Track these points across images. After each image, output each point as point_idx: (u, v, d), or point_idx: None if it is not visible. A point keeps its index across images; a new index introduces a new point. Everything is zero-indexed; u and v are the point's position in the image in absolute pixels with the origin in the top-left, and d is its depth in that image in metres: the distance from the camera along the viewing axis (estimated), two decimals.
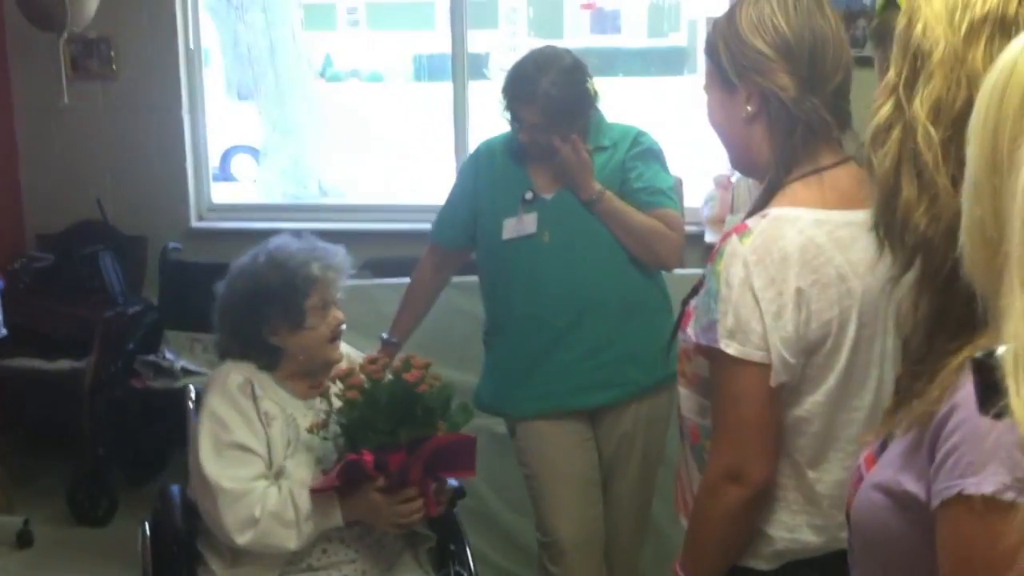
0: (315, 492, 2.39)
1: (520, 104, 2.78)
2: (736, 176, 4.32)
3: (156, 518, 2.65)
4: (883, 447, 1.11)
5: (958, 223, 0.93)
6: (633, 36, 20.11)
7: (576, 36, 19.93)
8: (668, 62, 18.37)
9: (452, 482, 2.63)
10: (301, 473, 2.43)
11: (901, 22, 1.14)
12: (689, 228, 4.15)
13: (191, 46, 4.81)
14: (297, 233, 2.67)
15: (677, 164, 4.83)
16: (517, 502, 3.28)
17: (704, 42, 1.92)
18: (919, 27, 1.10)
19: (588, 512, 2.90)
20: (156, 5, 4.69)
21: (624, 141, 2.87)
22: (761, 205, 1.74)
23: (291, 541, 2.37)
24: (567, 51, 2.90)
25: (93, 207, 4.66)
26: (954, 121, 1.04)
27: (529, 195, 2.85)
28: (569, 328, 2.84)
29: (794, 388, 1.68)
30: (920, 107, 1.08)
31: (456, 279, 3.18)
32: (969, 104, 1.00)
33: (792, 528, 1.73)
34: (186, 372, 4.03)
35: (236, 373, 2.52)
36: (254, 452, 2.42)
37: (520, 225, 2.84)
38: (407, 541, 2.62)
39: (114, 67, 4.71)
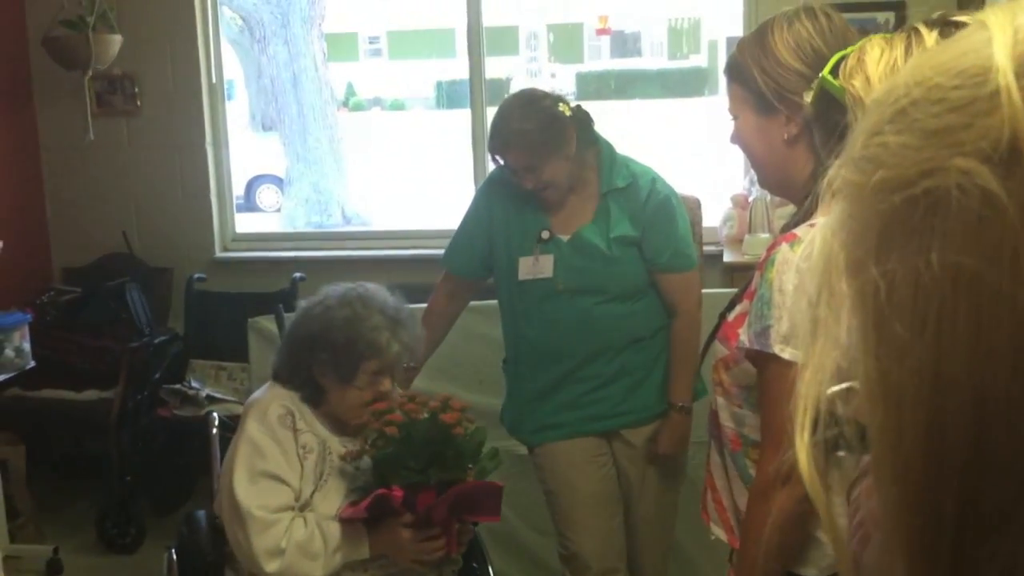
0: (343, 521, 2.41)
1: (503, 152, 2.82)
2: (753, 196, 4.34)
3: (182, 544, 2.68)
4: None
5: None
6: (653, 58, 20.19)
7: (596, 60, 20.07)
8: (688, 83, 18.43)
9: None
10: (327, 507, 2.44)
11: (851, 123, 1.12)
12: (708, 248, 4.20)
13: (213, 80, 4.89)
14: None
15: (696, 184, 4.88)
16: (539, 522, 3.30)
17: (728, 67, 1.93)
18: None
19: (608, 525, 2.92)
20: (179, 42, 4.78)
21: (641, 185, 2.85)
22: (805, 216, 1.75)
23: (317, 571, 2.40)
24: (535, 88, 2.96)
25: (119, 240, 4.75)
26: None
27: (545, 235, 2.88)
28: (582, 363, 2.88)
29: None
30: None
31: (474, 303, 3.20)
32: None
33: None
34: (211, 400, 4.08)
35: (278, 403, 2.51)
36: (287, 483, 2.43)
37: (536, 267, 2.87)
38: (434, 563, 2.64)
39: (138, 103, 4.80)
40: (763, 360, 1.71)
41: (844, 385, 0.52)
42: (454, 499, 2.41)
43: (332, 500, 2.46)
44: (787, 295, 1.66)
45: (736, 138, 1.94)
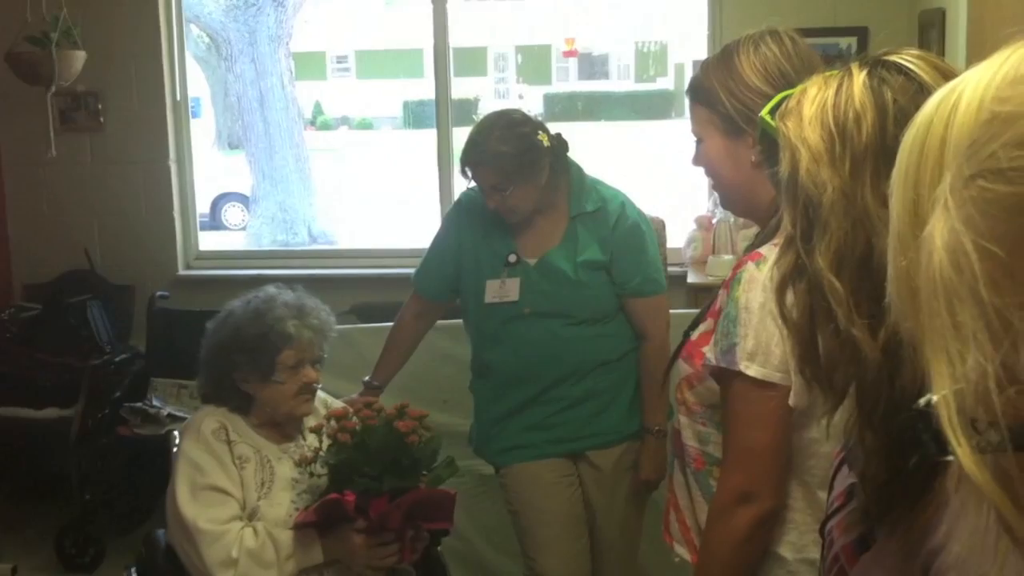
0: (296, 527, 2.42)
1: (475, 168, 2.82)
2: (717, 217, 4.38)
3: (142, 564, 2.65)
4: (861, 542, 1.04)
5: (888, 365, 0.91)
6: (620, 81, 20.32)
7: (564, 81, 20.17)
8: (655, 105, 18.55)
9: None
10: (275, 513, 2.46)
11: (784, 168, 1.11)
12: (672, 269, 4.22)
13: (178, 98, 4.87)
14: (292, 285, 2.70)
15: (660, 205, 4.91)
16: (503, 543, 3.29)
17: (691, 88, 1.92)
18: (802, 172, 1.08)
19: (573, 547, 2.92)
20: (143, 59, 4.76)
21: (610, 210, 2.87)
22: (771, 236, 1.75)
23: None
24: (516, 110, 2.96)
25: (81, 257, 4.71)
26: (859, 267, 1.03)
27: (513, 258, 2.88)
28: (549, 386, 2.89)
29: (805, 410, 1.69)
30: (822, 260, 1.05)
31: (441, 322, 3.21)
32: (869, 246, 0.98)
33: (800, 548, 1.74)
34: (172, 418, 4.04)
35: (210, 419, 2.55)
36: (229, 494, 2.45)
37: (503, 290, 2.88)
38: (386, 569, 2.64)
39: (101, 119, 4.78)
40: (728, 377, 1.72)
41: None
42: (408, 506, 2.42)
43: (279, 507, 2.47)
44: (753, 313, 1.67)
45: (700, 160, 1.94)
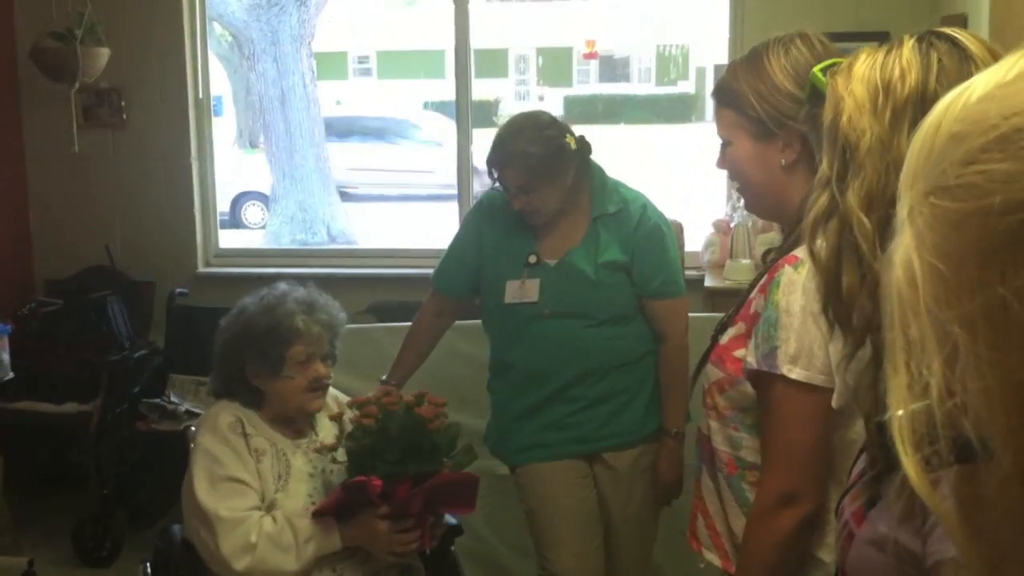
0: (317, 513, 2.44)
1: (502, 168, 2.83)
2: (735, 222, 4.37)
3: (157, 558, 2.67)
4: (871, 503, 1.11)
5: None
6: (641, 84, 20.29)
7: (585, 84, 20.16)
8: (675, 109, 18.52)
9: (450, 520, 2.68)
10: (293, 505, 2.47)
11: (827, 115, 1.17)
12: (689, 273, 4.21)
13: (200, 96, 4.90)
14: (303, 282, 2.72)
15: (678, 209, 4.91)
16: (517, 542, 3.30)
17: (719, 91, 1.91)
18: (844, 119, 1.14)
19: (587, 546, 2.92)
20: (166, 56, 4.79)
21: (632, 211, 2.87)
22: (800, 240, 1.74)
23: (290, 564, 2.41)
24: (544, 112, 2.96)
25: (102, 253, 4.74)
26: (887, 208, 1.06)
27: (533, 259, 2.89)
28: (567, 386, 2.89)
29: (845, 411, 1.69)
30: (853, 199, 1.12)
31: (458, 323, 3.21)
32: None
33: None
34: (190, 415, 4.06)
35: (226, 413, 2.57)
36: (249, 485, 2.46)
37: (523, 291, 2.88)
38: (401, 571, 2.64)
39: (124, 116, 4.81)
40: (769, 380, 1.71)
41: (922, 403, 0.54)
42: (430, 491, 2.43)
43: (296, 499, 2.49)
44: (794, 316, 1.67)
45: (726, 163, 1.92)
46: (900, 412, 0.55)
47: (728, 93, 1.87)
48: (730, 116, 1.87)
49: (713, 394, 1.85)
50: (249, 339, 2.56)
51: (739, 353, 1.79)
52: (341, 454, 2.51)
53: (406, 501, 2.43)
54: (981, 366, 0.50)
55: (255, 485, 2.47)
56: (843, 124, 1.14)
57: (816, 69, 1.40)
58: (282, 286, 2.68)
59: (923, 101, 1.12)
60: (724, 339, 1.85)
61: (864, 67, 1.16)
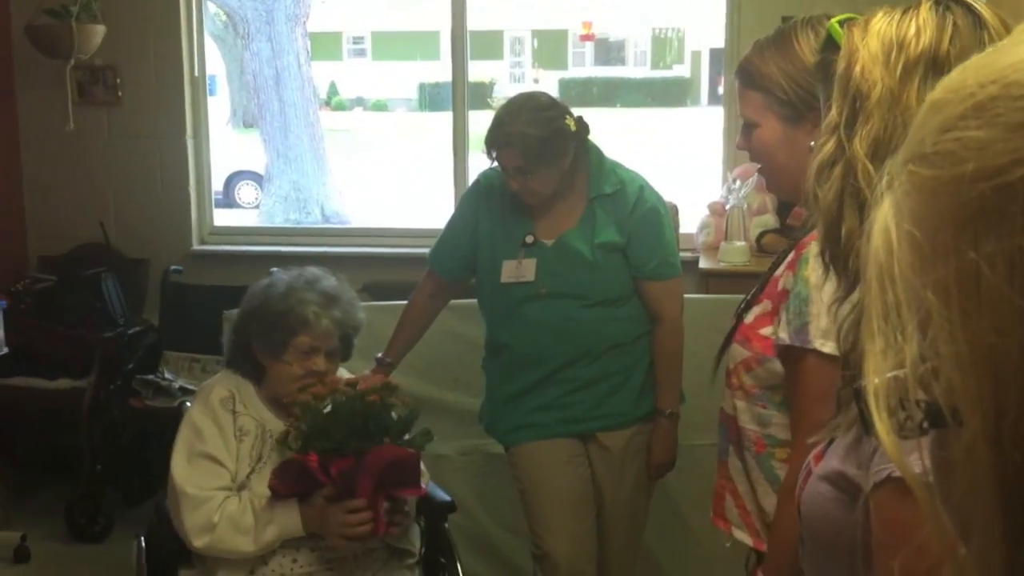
0: (272, 495, 2.44)
1: (500, 149, 2.82)
2: (730, 204, 4.38)
3: (151, 534, 2.68)
4: (827, 446, 1.18)
5: None
6: (636, 67, 20.26)
7: (580, 67, 20.12)
8: (670, 93, 18.50)
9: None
10: (263, 487, 2.48)
11: (840, 64, 1.21)
12: (684, 254, 4.22)
13: (196, 74, 4.88)
14: (337, 274, 2.73)
15: (673, 191, 4.92)
16: (511, 522, 3.31)
17: (744, 72, 1.89)
18: (857, 69, 1.18)
19: (580, 527, 2.94)
20: (161, 34, 4.77)
21: (628, 192, 2.87)
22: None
23: (247, 546, 2.43)
24: (543, 93, 2.96)
25: (96, 230, 4.74)
26: (892, 156, 1.09)
27: (530, 239, 2.89)
28: (562, 366, 2.90)
29: None
30: (859, 146, 1.15)
31: (453, 302, 3.22)
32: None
33: None
34: (184, 391, 4.07)
35: (221, 387, 2.59)
36: (223, 465, 2.49)
37: (519, 270, 2.89)
38: (390, 554, 2.65)
39: (119, 94, 4.79)
40: (800, 355, 1.71)
41: (901, 371, 0.55)
42: (378, 471, 2.43)
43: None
44: (825, 291, 1.68)
45: (749, 144, 1.91)
46: (876, 379, 0.56)
47: (756, 75, 1.86)
48: (758, 98, 1.86)
49: (739, 373, 1.86)
50: (262, 315, 2.58)
51: (766, 331, 1.79)
52: (294, 440, 2.51)
53: (347, 477, 2.42)
54: (953, 331, 0.51)
55: (229, 466, 2.49)
56: (856, 73, 1.17)
57: (834, 20, 1.41)
58: (315, 271, 2.69)
59: (935, 60, 1.15)
60: (749, 318, 1.85)
61: (881, 23, 1.20)
